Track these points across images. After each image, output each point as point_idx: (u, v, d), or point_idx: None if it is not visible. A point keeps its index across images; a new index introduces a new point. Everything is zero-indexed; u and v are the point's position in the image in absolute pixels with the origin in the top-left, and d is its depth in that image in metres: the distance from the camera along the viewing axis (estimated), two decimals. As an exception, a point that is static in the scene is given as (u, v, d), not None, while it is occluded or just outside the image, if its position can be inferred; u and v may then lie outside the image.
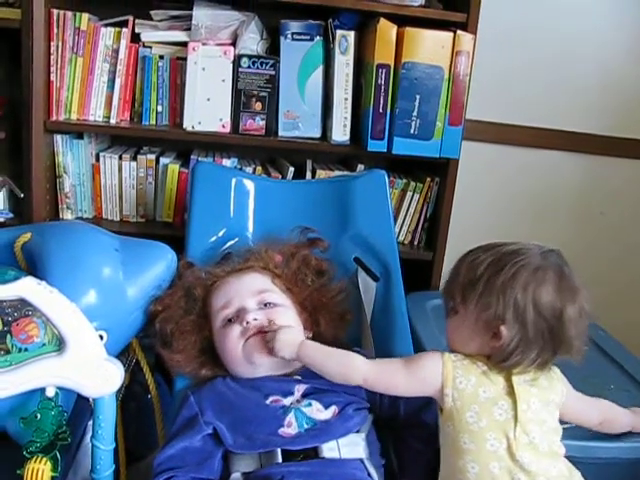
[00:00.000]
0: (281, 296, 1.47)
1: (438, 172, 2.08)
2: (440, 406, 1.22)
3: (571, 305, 1.15)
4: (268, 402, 1.32)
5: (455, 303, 1.23)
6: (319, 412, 1.31)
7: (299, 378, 1.39)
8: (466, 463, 1.16)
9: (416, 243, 2.15)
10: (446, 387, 1.18)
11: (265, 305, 1.43)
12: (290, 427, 1.27)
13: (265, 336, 1.33)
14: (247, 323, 1.38)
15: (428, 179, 2.08)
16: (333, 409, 1.32)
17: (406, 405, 1.40)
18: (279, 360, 1.36)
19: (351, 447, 1.27)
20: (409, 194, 2.09)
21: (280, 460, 1.23)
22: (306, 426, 1.28)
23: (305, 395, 1.34)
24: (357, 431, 1.31)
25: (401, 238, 2.12)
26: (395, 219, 2.01)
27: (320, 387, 1.36)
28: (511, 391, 1.18)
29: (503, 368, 1.18)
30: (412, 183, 2.08)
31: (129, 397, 1.66)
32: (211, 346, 1.46)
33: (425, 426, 1.38)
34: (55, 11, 1.88)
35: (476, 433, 1.16)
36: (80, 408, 1.37)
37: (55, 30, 1.88)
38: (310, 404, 1.32)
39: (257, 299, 1.43)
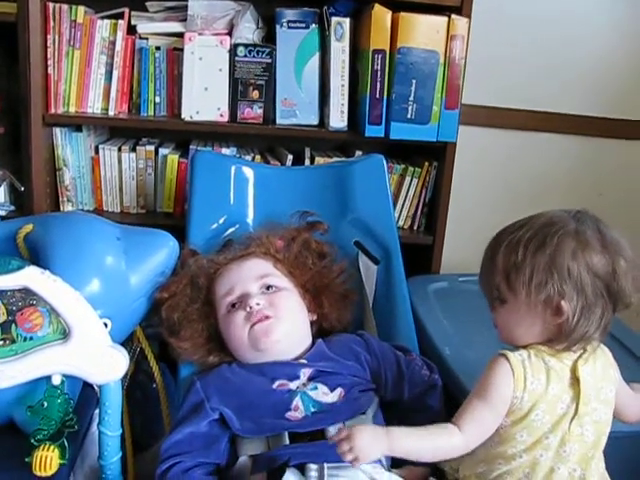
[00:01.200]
0: (283, 280, 1.49)
1: (436, 156, 2.08)
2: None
3: (620, 258, 1.11)
4: (274, 386, 1.34)
5: (500, 292, 1.17)
6: (325, 395, 1.33)
7: (305, 362, 1.40)
8: (516, 453, 1.14)
9: (416, 227, 2.15)
10: (517, 391, 1.12)
11: (267, 289, 1.44)
12: (297, 411, 1.29)
13: (339, 447, 1.11)
14: (250, 308, 1.39)
15: (426, 163, 2.09)
16: (339, 391, 1.34)
17: (410, 388, 1.42)
18: (285, 346, 1.39)
19: None
20: (407, 179, 2.09)
21: (287, 442, 1.25)
22: (313, 409, 1.30)
23: (311, 378, 1.36)
24: (363, 412, 1.32)
25: (401, 223, 2.12)
26: (394, 204, 2.02)
27: (325, 370, 1.38)
28: (575, 383, 1.14)
29: (571, 344, 1.14)
30: (410, 168, 2.09)
31: (134, 386, 1.68)
32: (217, 333, 1.47)
33: (430, 409, 1.39)
34: (51, 4, 1.88)
35: (537, 428, 1.13)
36: (86, 396, 1.39)
37: (51, 23, 1.88)
38: (316, 387, 1.34)
39: (259, 283, 1.44)
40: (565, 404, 1.14)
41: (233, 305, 1.43)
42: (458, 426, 1.13)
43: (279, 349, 1.39)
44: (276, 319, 1.39)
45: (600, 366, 1.18)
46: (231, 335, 1.42)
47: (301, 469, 1.18)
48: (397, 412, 1.42)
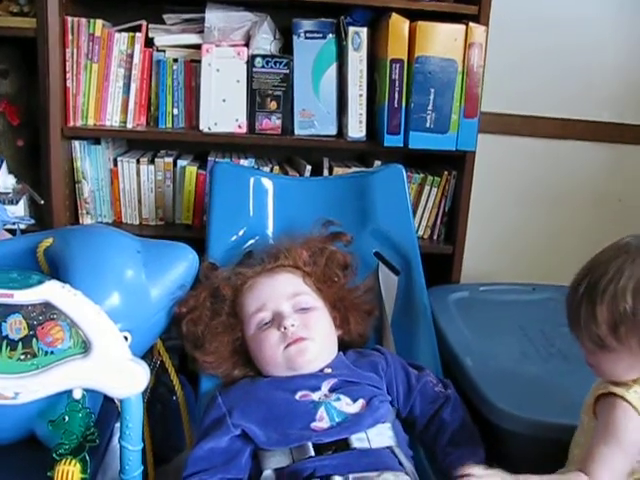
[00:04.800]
0: (314, 297, 1.49)
1: (455, 165, 2.07)
2: None
3: None
4: (297, 397, 1.34)
5: (604, 342, 1.11)
6: (348, 406, 1.32)
7: (329, 371, 1.40)
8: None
9: (435, 237, 2.14)
10: None
11: (301, 309, 1.44)
12: (322, 421, 1.29)
13: None
14: (285, 329, 1.39)
15: (445, 173, 2.08)
16: (361, 402, 1.34)
17: (422, 402, 1.42)
18: (317, 364, 1.40)
19: (379, 437, 1.29)
20: (427, 188, 2.08)
21: (312, 454, 1.24)
22: (337, 419, 1.30)
23: (332, 390, 1.36)
24: (383, 422, 1.32)
25: (420, 233, 2.11)
26: (414, 214, 2.01)
27: (346, 380, 1.38)
28: None
29: None
30: (429, 177, 2.08)
31: (155, 399, 1.67)
32: (242, 346, 1.47)
33: (447, 425, 1.38)
34: (69, 18, 1.89)
35: None
36: (107, 410, 1.39)
37: (70, 37, 1.90)
38: (339, 398, 1.33)
39: (292, 302, 1.44)
40: None
41: (265, 323, 1.43)
42: (589, 474, 1.10)
43: (311, 367, 1.40)
44: (310, 340, 1.39)
45: None
46: (263, 353, 1.41)
47: (327, 481, 1.17)
48: (425, 437, 1.42)
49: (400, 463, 1.27)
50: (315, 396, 1.34)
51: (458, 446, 1.33)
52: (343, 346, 1.52)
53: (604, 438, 1.11)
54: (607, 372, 1.15)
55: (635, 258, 1.09)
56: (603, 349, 1.12)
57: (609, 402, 1.13)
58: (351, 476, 1.18)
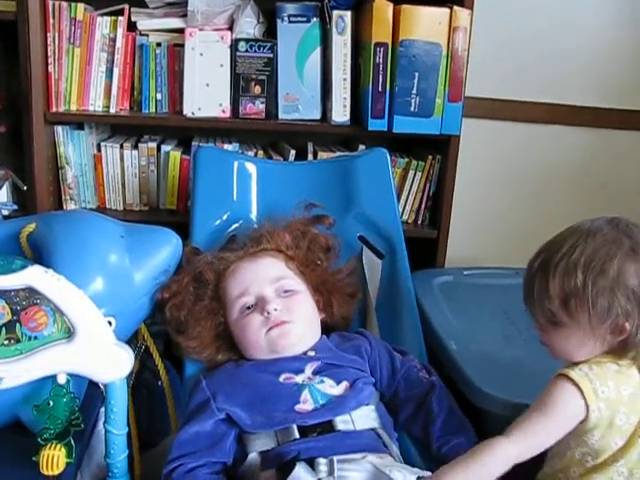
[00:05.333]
0: (297, 281, 1.49)
1: (439, 150, 2.07)
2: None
3: None
4: (281, 380, 1.35)
5: (556, 317, 1.14)
6: (332, 388, 1.33)
7: (313, 354, 1.41)
8: (612, 460, 1.13)
9: (420, 222, 2.14)
10: (591, 405, 1.10)
11: (283, 292, 1.44)
12: (306, 403, 1.30)
13: None
14: (268, 313, 1.39)
15: (429, 157, 2.08)
16: (344, 384, 1.35)
17: (406, 387, 1.42)
18: (300, 347, 1.41)
19: (363, 419, 1.30)
20: (411, 173, 2.08)
21: (297, 436, 1.25)
22: (321, 402, 1.30)
23: (316, 372, 1.36)
24: (367, 404, 1.33)
25: (405, 217, 2.11)
26: (398, 198, 2.01)
27: (330, 363, 1.39)
28: None
29: (634, 358, 1.14)
30: (414, 162, 2.08)
31: (140, 384, 1.67)
32: (226, 331, 1.47)
33: (436, 413, 1.38)
34: (50, 2, 1.87)
35: (627, 431, 1.12)
36: (92, 394, 1.38)
37: (51, 21, 1.88)
38: (322, 381, 1.34)
39: (275, 286, 1.44)
40: None
41: (248, 307, 1.43)
42: (507, 435, 1.11)
43: (294, 350, 1.41)
44: (292, 323, 1.40)
45: None
46: (246, 337, 1.42)
47: (311, 463, 1.18)
48: (414, 427, 1.42)
49: (384, 445, 1.29)
50: (299, 379, 1.34)
51: (454, 434, 1.34)
52: (326, 329, 1.52)
53: (536, 406, 1.14)
54: (560, 350, 1.18)
55: (587, 237, 1.12)
56: (555, 325, 1.15)
57: (553, 382, 1.15)
58: (335, 458, 1.18)
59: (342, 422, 1.27)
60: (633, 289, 1.09)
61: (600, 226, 1.14)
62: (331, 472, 1.17)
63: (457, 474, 1.09)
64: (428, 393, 1.41)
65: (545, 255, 1.16)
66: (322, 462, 1.18)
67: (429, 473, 1.16)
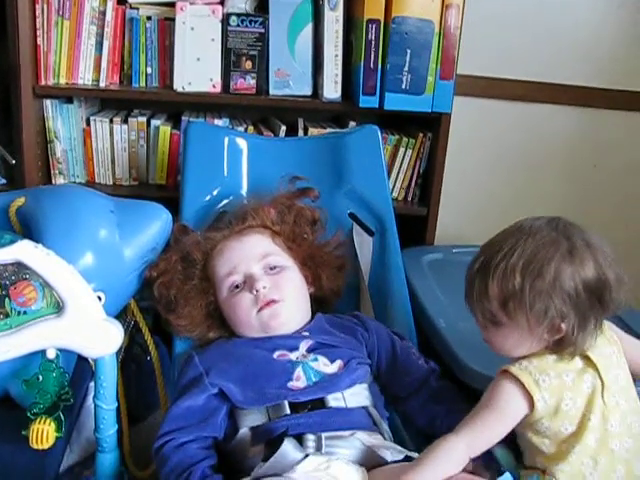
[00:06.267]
0: (284, 257, 1.49)
1: (430, 127, 2.07)
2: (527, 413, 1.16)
3: (609, 268, 1.13)
4: (275, 356, 1.35)
5: (496, 317, 1.16)
6: (325, 366, 1.34)
7: (307, 334, 1.41)
8: (569, 446, 1.14)
9: (410, 199, 2.14)
10: (535, 395, 1.12)
11: (271, 269, 1.44)
12: (299, 380, 1.30)
13: None
14: (257, 291, 1.39)
15: (420, 135, 2.07)
16: (339, 363, 1.35)
17: (405, 372, 1.43)
18: (292, 325, 1.42)
19: (355, 397, 1.31)
20: (402, 150, 2.08)
21: (288, 412, 1.25)
22: (314, 379, 1.31)
23: (310, 350, 1.37)
24: (360, 382, 1.34)
25: (395, 194, 2.11)
26: (388, 175, 2.01)
27: (325, 342, 1.39)
28: (587, 361, 1.16)
29: (570, 353, 1.15)
30: (404, 139, 2.08)
31: (129, 359, 1.68)
32: (216, 309, 1.47)
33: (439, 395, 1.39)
34: (39, -27, 1.85)
35: (575, 416, 1.13)
36: (81, 369, 1.39)
37: (40, -8, 1.86)
38: (316, 359, 1.35)
39: (262, 263, 1.44)
40: (589, 382, 1.15)
41: (236, 286, 1.43)
42: (457, 432, 1.14)
43: (286, 328, 1.41)
44: (282, 302, 1.40)
45: (601, 335, 1.19)
46: (237, 316, 1.42)
47: (299, 439, 1.18)
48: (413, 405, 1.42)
49: (374, 423, 1.29)
50: (293, 356, 1.35)
51: (461, 412, 1.34)
52: (317, 303, 1.53)
53: (482, 402, 1.16)
54: (499, 347, 1.20)
55: (527, 238, 1.14)
56: (495, 324, 1.18)
57: (495, 379, 1.17)
58: (324, 435, 1.19)
59: (334, 399, 1.28)
60: (569, 292, 1.11)
61: (540, 226, 1.16)
62: (319, 448, 1.18)
63: (415, 475, 1.09)
64: (429, 376, 1.42)
65: (485, 257, 1.17)
66: (310, 438, 1.19)
67: (416, 454, 1.18)
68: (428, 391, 1.40)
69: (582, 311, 1.12)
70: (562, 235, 1.14)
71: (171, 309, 1.46)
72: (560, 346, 1.15)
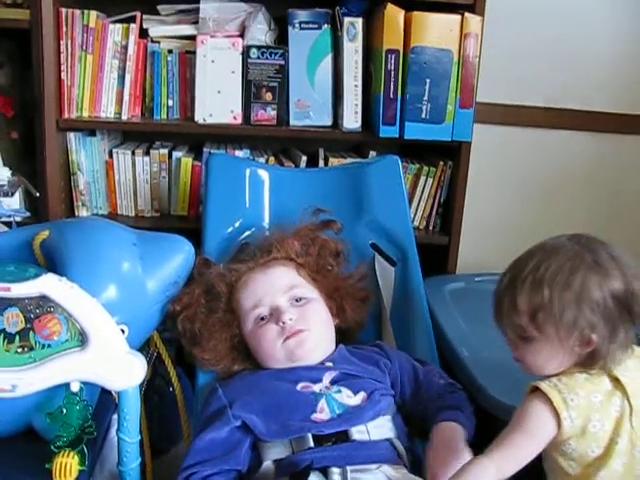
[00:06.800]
0: (309, 288, 1.49)
1: (451, 156, 2.07)
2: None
3: (636, 280, 1.14)
4: (298, 388, 1.35)
5: (526, 332, 1.17)
6: (349, 398, 1.33)
7: (330, 365, 1.41)
8: (595, 470, 1.13)
9: (431, 228, 2.14)
10: (562, 413, 1.12)
11: (297, 300, 1.44)
12: (322, 413, 1.30)
13: None
14: (283, 323, 1.39)
15: (441, 163, 2.08)
16: (362, 395, 1.34)
17: (428, 397, 1.41)
18: (317, 354, 1.42)
19: (379, 429, 1.30)
20: (422, 179, 2.08)
21: (312, 445, 1.25)
22: (338, 411, 1.30)
23: (333, 382, 1.36)
24: (384, 414, 1.33)
25: (416, 223, 2.11)
26: (409, 204, 2.00)
27: (348, 372, 1.39)
28: (616, 383, 1.15)
29: (602, 366, 1.15)
30: (425, 168, 2.08)
31: (151, 390, 1.68)
32: (241, 342, 1.48)
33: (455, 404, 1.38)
34: (63, 10, 1.88)
35: (602, 438, 1.13)
36: (104, 402, 1.39)
37: (64, 29, 1.89)
38: (340, 391, 1.34)
39: (288, 295, 1.45)
40: (617, 405, 1.14)
41: (262, 318, 1.43)
42: (488, 455, 1.12)
43: (311, 357, 1.41)
44: (308, 331, 1.40)
45: (632, 357, 1.19)
46: (262, 348, 1.42)
47: (324, 472, 1.18)
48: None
49: (399, 455, 1.29)
50: (316, 388, 1.34)
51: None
52: (340, 334, 1.53)
53: (512, 423, 1.15)
54: (531, 364, 1.20)
55: (552, 253, 1.16)
56: (525, 340, 1.18)
57: (527, 397, 1.17)
58: (349, 468, 1.19)
59: (357, 432, 1.27)
60: (597, 301, 1.11)
61: (563, 242, 1.19)
62: None
63: None
64: (446, 392, 1.41)
65: (512, 273, 1.19)
66: (335, 471, 1.18)
67: None
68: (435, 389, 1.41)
69: (611, 321, 1.12)
70: (585, 248, 1.16)
71: (196, 343, 1.46)
72: (591, 360, 1.15)
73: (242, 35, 1.96)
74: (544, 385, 1.15)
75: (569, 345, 1.14)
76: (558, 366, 1.17)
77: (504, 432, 1.15)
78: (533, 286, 1.14)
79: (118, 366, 1.23)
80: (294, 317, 1.40)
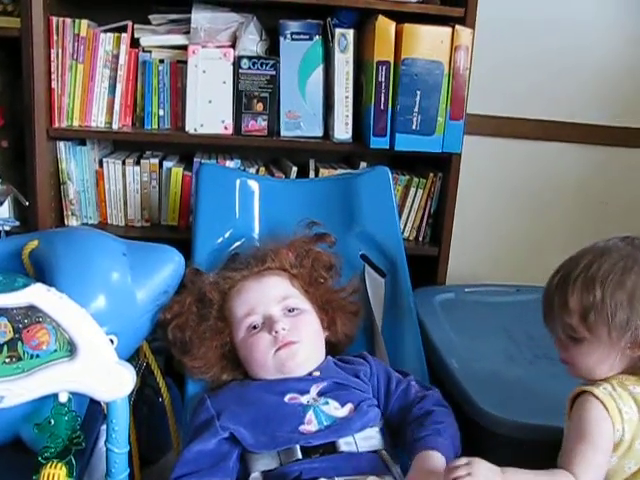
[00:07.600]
0: (302, 300, 1.49)
1: (441, 167, 2.08)
2: None
3: None
4: (286, 400, 1.34)
5: (576, 332, 1.15)
6: (336, 410, 1.33)
7: (318, 374, 1.40)
8: None
9: (421, 239, 2.14)
10: (616, 424, 1.10)
11: (290, 311, 1.44)
12: (310, 424, 1.29)
13: (457, 471, 1.07)
14: (276, 333, 1.39)
15: (431, 174, 2.08)
16: (349, 406, 1.34)
17: (399, 406, 1.40)
18: (307, 366, 1.41)
19: (367, 440, 1.30)
20: (412, 190, 2.09)
21: (300, 456, 1.25)
22: (326, 423, 1.30)
23: (321, 394, 1.36)
24: (371, 425, 1.33)
25: (406, 234, 2.11)
26: (399, 215, 2.01)
27: (336, 382, 1.38)
28: None
29: None
30: (415, 179, 2.09)
31: (140, 400, 1.67)
32: (231, 351, 1.47)
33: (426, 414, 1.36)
34: (54, 18, 1.88)
35: None
36: (93, 412, 1.38)
37: (55, 37, 1.89)
38: (327, 402, 1.34)
39: (281, 305, 1.44)
40: None
41: (254, 327, 1.43)
42: (575, 475, 1.09)
43: (301, 370, 1.40)
44: (300, 343, 1.40)
45: None
46: (253, 357, 1.42)
47: (313, 484, 1.18)
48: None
49: (387, 467, 1.28)
50: (304, 399, 1.34)
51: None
52: (330, 347, 1.53)
53: (578, 437, 1.13)
54: (581, 366, 1.18)
55: (603, 254, 1.15)
56: (576, 341, 1.16)
57: (580, 401, 1.15)
58: (337, 479, 1.18)
59: (345, 444, 1.27)
60: None
61: (615, 243, 1.18)
62: None
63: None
64: (424, 397, 1.39)
65: (563, 272, 1.18)
66: None
67: None
68: (420, 410, 1.37)
69: None
70: (638, 249, 1.15)
71: (186, 351, 1.46)
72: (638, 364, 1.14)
73: (233, 45, 1.97)
74: (599, 392, 1.13)
75: (620, 346, 1.12)
76: (609, 369, 1.16)
77: (577, 450, 1.11)
78: (585, 285, 1.13)
79: (107, 376, 1.21)
80: (287, 327, 1.40)
